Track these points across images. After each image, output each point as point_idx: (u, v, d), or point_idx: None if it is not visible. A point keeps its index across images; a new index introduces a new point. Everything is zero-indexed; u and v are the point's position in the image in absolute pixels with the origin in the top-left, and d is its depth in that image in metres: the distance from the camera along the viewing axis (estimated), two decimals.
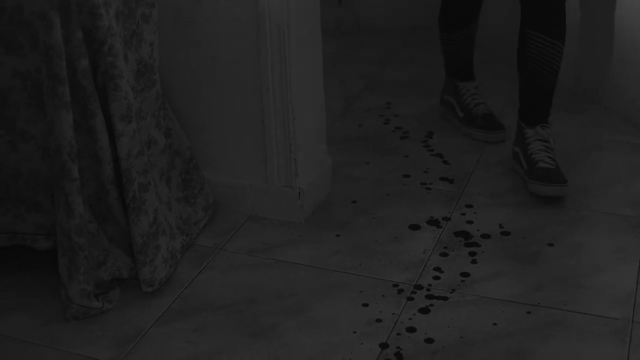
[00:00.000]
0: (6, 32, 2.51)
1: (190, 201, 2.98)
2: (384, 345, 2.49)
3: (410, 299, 2.68)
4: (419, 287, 2.73)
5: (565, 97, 3.83)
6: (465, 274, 2.79)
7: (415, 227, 3.04)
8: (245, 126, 3.01)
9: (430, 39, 4.53)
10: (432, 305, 2.65)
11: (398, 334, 2.53)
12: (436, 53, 4.07)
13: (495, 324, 2.56)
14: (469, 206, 3.15)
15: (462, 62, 3.69)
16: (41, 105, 2.57)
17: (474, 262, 2.85)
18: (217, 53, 2.95)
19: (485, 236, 2.98)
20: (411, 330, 2.55)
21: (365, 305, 2.66)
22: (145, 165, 2.66)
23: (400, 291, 2.71)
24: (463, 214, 3.11)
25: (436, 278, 2.77)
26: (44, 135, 2.60)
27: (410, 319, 2.60)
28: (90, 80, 2.49)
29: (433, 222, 3.06)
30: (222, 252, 2.92)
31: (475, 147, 3.55)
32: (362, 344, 2.50)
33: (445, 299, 2.68)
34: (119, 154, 2.58)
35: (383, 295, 2.70)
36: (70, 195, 2.51)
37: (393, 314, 2.62)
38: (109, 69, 2.50)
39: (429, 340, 2.51)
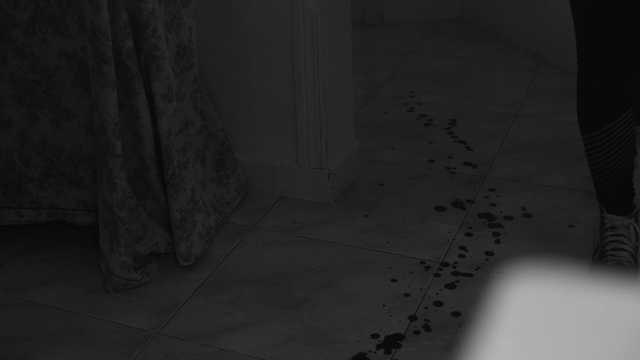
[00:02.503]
0: (54, 13, 2.62)
1: (223, 181, 3.09)
2: (412, 318, 2.59)
3: (437, 275, 2.78)
4: (445, 264, 2.84)
5: None
6: (489, 253, 2.89)
7: (440, 209, 3.15)
8: (277, 110, 3.12)
9: (453, 32, 4.64)
10: (457, 281, 2.76)
11: (426, 308, 2.64)
12: (459, 46, 4.18)
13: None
14: (492, 190, 3.26)
15: (613, 179, 2.69)
16: (86, 84, 2.68)
17: (497, 241, 2.95)
18: (251, 38, 3.06)
19: (508, 218, 3.08)
20: (438, 304, 2.65)
21: (394, 280, 2.76)
22: (184, 144, 2.77)
23: (427, 268, 2.82)
24: (486, 197, 3.21)
25: (461, 256, 2.88)
26: (87, 113, 2.71)
27: (437, 293, 2.70)
28: (134, 60, 2.60)
29: (457, 204, 3.17)
30: (254, 230, 3.03)
31: (497, 134, 3.65)
32: (391, 316, 2.60)
33: (470, 275, 2.78)
34: (160, 132, 2.69)
35: (411, 272, 2.80)
36: (113, 170, 2.62)
37: (421, 289, 2.72)
38: (152, 50, 2.61)
39: (456, 314, 2.61)
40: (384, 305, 2.65)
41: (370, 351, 2.47)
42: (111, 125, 2.58)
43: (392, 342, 2.50)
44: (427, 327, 2.55)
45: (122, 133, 2.67)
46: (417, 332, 2.54)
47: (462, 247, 2.92)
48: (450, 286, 2.73)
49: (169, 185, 2.74)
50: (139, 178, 2.77)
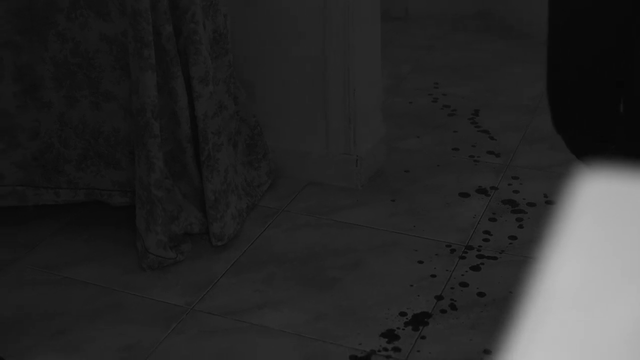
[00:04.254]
0: None
1: (254, 165, 3.18)
2: (439, 297, 2.68)
3: (462, 257, 2.87)
4: (470, 247, 2.92)
5: None
6: (513, 237, 2.97)
7: (465, 195, 3.23)
8: (308, 97, 3.21)
9: (475, 26, 4.72)
10: (482, 263, 2.84)
11: (452, 288, 2.72)
12: (481, 40, 4.26)
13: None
14: (515, 177, 3.34)
15: None
16: (125, 68, 2.77)
17: (520, 226, 3.03)
18: (284, 26, 3.15)
19: (531, 204, 3.16)
20: (464, 285, 2.74)
21: (420, 262, 2.84)
22: (219, 127, 2.86)
23: (452, 251, 2.90)
24: (509, 184, 3.29)
25: (486, 240, 2.96)
26: (126, 96, 2.81)
27: (462, 275, 2.78)
28: (174, 44, 2.69)
29: (482, 191, 3.25)
30: (284, 213, 3.11)
31: (520, 124, 3.73)
32: (418, 295, 2.69)
33: (494, 258, 2.87)
34: (197, 114, 2.78)
35: (437, 254, 2.88)
36: (151, 150, 2.71)
37: (447, 270, 2.80)
38: (190, 35, 2.70)
39: (481, 294, 2.69)
40: (411, 285, 2.73)
41: (398, 328, 2.56)
42: (150, 107, 2.67)
43: (419, 320, 2.59)
44: (453, 307, 2.64)
45: (159, 115, 2.76)
46: (443, 311, 2.62)
47: (486, 232, 3.00)
48: (475, 268, 2.82)
49: (204, 167, 2.83)
50: (174, 160, 2.86)
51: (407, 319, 2.60)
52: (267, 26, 3.17)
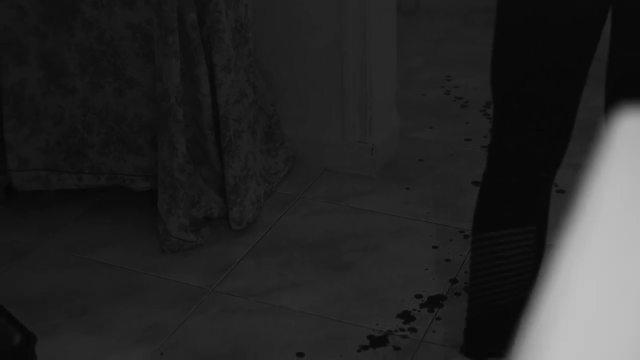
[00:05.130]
0: None
1: (271, 153, 3.25)
2: (453, 281, 2.75)
3: None
4: None
5: None
6: None
7: (477, 183, 3.27)
8: (325, 86, 3.28)
9: (486, 20, 4.77)
10: None
11: (466, 272, 2.78)
12: (492, 34, 4.31)
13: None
14: None
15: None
16: (149, 55, 2.84)
17: None
18: (302, 18, 3.21)
19: None
20: None
21: (435, 247, 2.92)
22: (240, 114, 2.93)
23: (466, 237, 2.97)
24: None
25: None
26: (150, 83, 2.88)
27: None
28: (197, 32, 2.76)
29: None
30: (301, 200, 3.18)
31: None
32: (433, 279, 2.76)
33: None
34: (218, 101, 2.85)
35: (451, 240, 2.96)
36: (175, 135, 2.78)
37: (460, 255, 2.88)
38: (214, 24, 2.77)
39: None
40: (426, 269, 2.80)
41: (414, 309, 2.63)
42: (174, 93, 2.74)
43: (434, 302, 2.66)
44: (467, 290, 2.70)
45: (182, 102, 2.83)
46: (457, 294, 2.70)
47: None
48: None
49: (225, 153, 2.90)
50: (196, 145, 2.93)
51: (422, 301, 2.67)
52: (285, 17, 3.24)
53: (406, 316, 2.61)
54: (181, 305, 2.67)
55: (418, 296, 2.69)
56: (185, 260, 2.86)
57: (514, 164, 2.05)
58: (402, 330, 2.56)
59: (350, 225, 3.03)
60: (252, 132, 3.13)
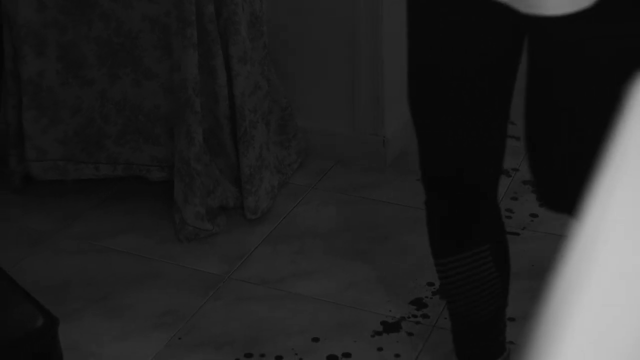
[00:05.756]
0: None
1: (284, 145, 3.31)
2: None
3: None
4: None
5: None
6: (534, 215, 3.10)
7: None
8: (337, 79, 3.33)
9: None
10: None
11: None
12: None
13: (562, 256, 2.86)
14: None
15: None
16: (166, 47, 2.90)
17: (541, 205, 3.15)
18: (314, 10, 3.27)
19: None
20: None
21: None
22: (256, 105, 2.99)
23: None
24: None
25: (508, 217, 3.08)
26: (166, 74, 2.93)
27: None
28: (215, 24, 2.82)
29: (503, 172, 3.37)
30: (314, 190, 3.24)
31: None
32: None
33: (517, 234, 2.99)
34: (234, 92, 2.91)
35: None
36: (192, 125, 2.84)
37: None
38: (231, 16, 2.83)
39: None
40: None
41: (426, 297, 2.69)
42: (192, 83, 2.80)
43: None
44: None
45: (199, 93, 2.89)
46: None
47: (508, 209, 3.13)
48: None
49: (241, 143, 2.96)
50: (212, 136, 2.99)
51: (434, 288, 2.72)
52: (298, 9, 3.29)
53: (418, 303, 2.66)
54: (198, 292, 2.73)
55: (430, 284, 2.74)
56: (201, 249, 2.92)
57: (444, 189, 2.05)
58: (415, 316, 2.62)
59: (363, 216, 3.09)
60: (266, 123, 3.19)
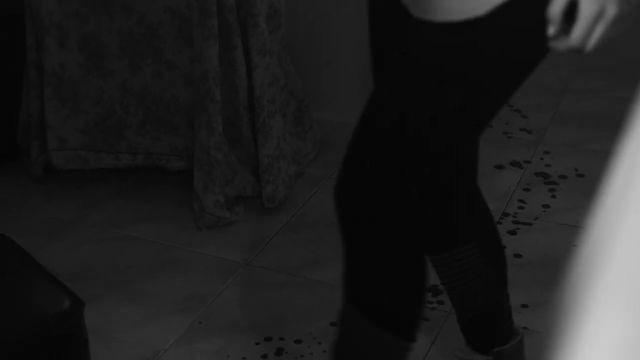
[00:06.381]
0: None
1: (301, 136, 3.36)
2: None
3: (499, 223, 3.05)
4: (506, 214, 3.10)
5: None
6: (546, 206, 3.15)
7: (499, 167, 3.41)
8: (352, 71, 3.39)
9: None
10: (518, 228, 3.02)
11: None
12: None
13: (574, 245, 2.92)
14: (547, 152, 3.52)
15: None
16: (186, 38, 2.95)
17: (553, 196, 3.22)
18: (331, 4, 3.32)
19: (562, 177, 3.34)
20: None
21: None
22: (274, 96, 3.04)
23: None
24: (542, 159, 3.47)
25: (521, 208, 3.14)
26: (187, 65, 2.99)
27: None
28: (235, 16, 2.87)
29: (515, 164, 3.43)
30: (330, 180, 3.30)
31: (550, 104, 3.92)
32: None
33: (529, 224, 3.05)
34: (254, 83, 2.97)
35: None
36: (212, 115, 2.90)
37: None
38: (250, 8, 2.89)
39: (517, 256, 2.88)
40: None
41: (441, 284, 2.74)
42: (212, 74, 2.86)
43: None
44: None
45: (219, 84, 2.94)
46: None
47: (520, 200, 3.18)
48: (512, 233, 3.00)
49: (259, 133, 3.01)
50: (231, 126, 3.04)
51: None
52: (316, 5, 3.35)
53: (434, 290, 2.71)
54: (217, 278, 2.79)
55: None
56: (220, 236, 2.98)
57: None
58: (431, 302, 2.67)
59: None
60: (283, 114, 3.25)
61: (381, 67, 2.03)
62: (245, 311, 2.66)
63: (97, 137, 3.15)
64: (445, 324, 2.60)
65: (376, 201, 1.73)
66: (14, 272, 2.35)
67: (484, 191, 3.20)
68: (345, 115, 3.45)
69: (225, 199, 3.02)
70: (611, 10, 1.44)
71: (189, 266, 2.85)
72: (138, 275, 2.81)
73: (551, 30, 1.49)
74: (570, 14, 1.47)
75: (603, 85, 4.10)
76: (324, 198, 3.19)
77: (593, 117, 3.80)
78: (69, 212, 3.13)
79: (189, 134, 3.07)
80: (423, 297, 1.90)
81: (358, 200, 1.78)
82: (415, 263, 1.85)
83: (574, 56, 4.37)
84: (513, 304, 2.62)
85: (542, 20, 1.50)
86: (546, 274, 2.79)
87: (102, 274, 2.82)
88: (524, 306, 2.64)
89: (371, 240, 1.82)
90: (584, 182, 3.30)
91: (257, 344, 2.53)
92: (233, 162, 3.07)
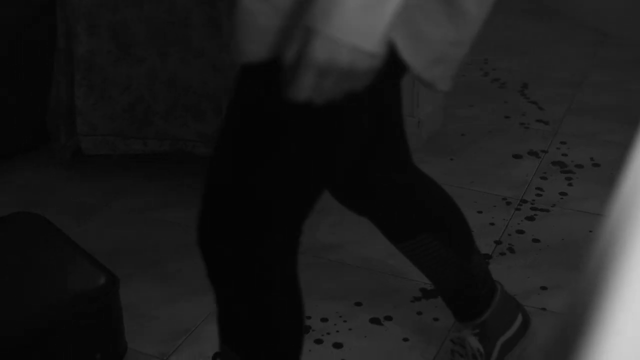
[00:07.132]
0: None
1: None
2: (498, 242, 2.94)
3: (517, 209, 3.12)
4: (524, 201, 3.18)
5: None
6: (563, 193, 3.23)
7: (517, 156, 3.49)
8: None
9: (521, 8, 4.96)
10: (536, 215, 3.10)
11: (509, 235, 2.98)
12: (526, 21, 4.50)
13: (591, 231, 3.00)
14: (563, 142, 3.59)
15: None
16: (217, 26, 3.03)
17: (570, 184, 3.29)
18: None
19: (579, 166, 3.41)
20: (520, 232, 3.00)
21: (480, 212, 3.10)
22: None
23: (508, 203, 3.16)
24: (558, 149, 3.55)
25: (538, 195, 3.22)
26: (215, 53, 3.07)
27: (518, 224, 3.04)
28: None
29: (532, 153, 3.51)
30: None
31: (566, 97, 3.99)
32: (479, 239, 2.94)
33: (547, 211, 3.12)
34: None
35: (494, 206, 3.14)
36: None
37: (504, 219, 3.06)
38: None
39: (536, 240, 2.95)
40: (473, 231, 2.98)
41: None
42: None
43: None
44: (511, 250, 2.90)
45: None
46: (502, 254, 2.88)
47: (538, 188, 3.26)
48: (530, 219, 3.07)
49: None
50: None
51: None
52: None
53: None
54: None
55: None
56: None
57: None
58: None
59: None
60: None
61: None
62: None
63: (125, 123, 3.23)
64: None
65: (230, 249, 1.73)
66: (51, 250, 2.44)
67: (503, 178, 3.29)
68: None
69: None
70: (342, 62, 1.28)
71: None
72: (168, 256, 2.88)
73: (283, 76, 1.36)
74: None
75: (619, 78, 4.18)
76: None
77: (609, 109, 3.88)
78: (98, 196, 3.21)
79: (216, 121, 3.15)
80: (300, 338, 1.91)
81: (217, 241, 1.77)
82: (287, 301, 1.89)
83: (587, 50, 4.44)
84: (532, 285, 2.70)
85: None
86: (565, 257, 2.86)
87: (132, 254, 2.89)
88: (543, 288, 2.72)
89: (236, 280, 1.76)
90: (600, 171, 3.37)
91: None
92: None
